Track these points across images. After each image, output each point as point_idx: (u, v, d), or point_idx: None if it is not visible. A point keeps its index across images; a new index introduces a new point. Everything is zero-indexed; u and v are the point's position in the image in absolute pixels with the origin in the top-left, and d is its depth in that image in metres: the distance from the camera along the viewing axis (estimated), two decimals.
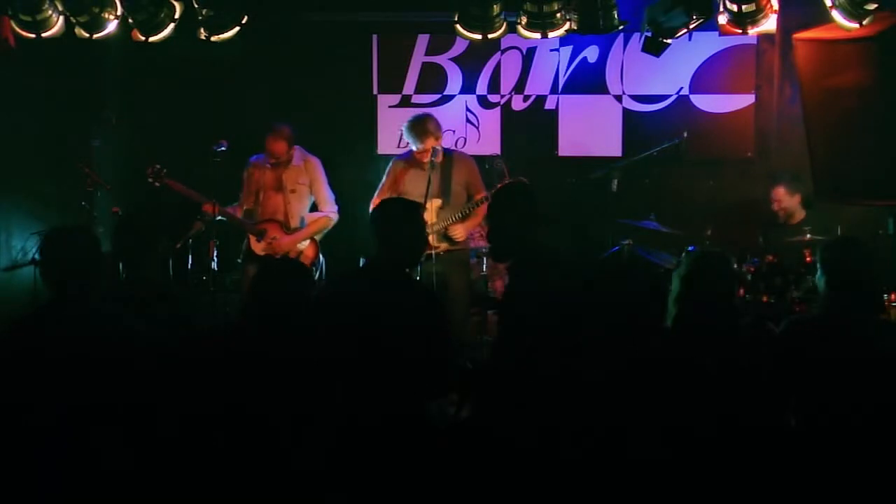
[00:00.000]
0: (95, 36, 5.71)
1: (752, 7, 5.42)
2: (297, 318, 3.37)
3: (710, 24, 5.70)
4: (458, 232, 5.96)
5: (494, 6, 5.65)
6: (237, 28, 5.72)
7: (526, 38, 5.83)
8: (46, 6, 5.58)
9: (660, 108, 7.36)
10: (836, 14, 5.35)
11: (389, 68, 7.59)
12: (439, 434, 3.46)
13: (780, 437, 3.26)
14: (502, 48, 7.39)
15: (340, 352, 3.42)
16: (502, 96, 7.53)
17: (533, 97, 7.49)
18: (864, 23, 5.31)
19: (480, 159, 6.44)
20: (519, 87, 7.50)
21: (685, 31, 5.51)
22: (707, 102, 7.31)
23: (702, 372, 3.19)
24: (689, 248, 5.87)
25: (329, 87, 7.49)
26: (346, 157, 7.60)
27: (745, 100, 7.27)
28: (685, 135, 6.74)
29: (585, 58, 7.40)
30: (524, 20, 5.69)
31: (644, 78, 7.33)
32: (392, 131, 7.60)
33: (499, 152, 7.26)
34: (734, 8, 5.46)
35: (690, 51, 7.13)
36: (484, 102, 7.54)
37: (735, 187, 7.14)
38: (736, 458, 3.11)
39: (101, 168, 7.04)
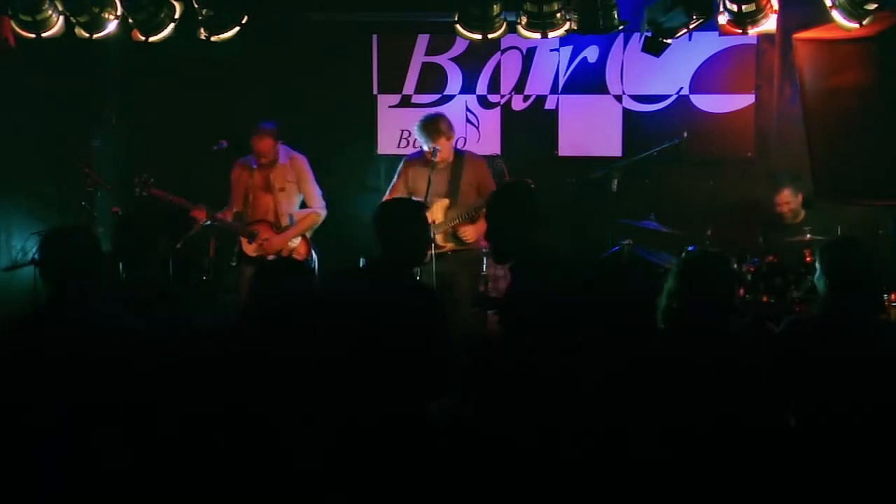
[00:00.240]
0: (95, 36, 5.71)
1: (752, 7, 5.42)
2: (297, 317, 3.37)
3: (710, 24, 5.71)
4: (468, 233, 5.96)
5: (494, 6, 5.65)
6: (237, 28, 5.72)
7: (526, 38, 5.83)
8: (46, 6, 5.58)
9: (660, 108, 7.35)
10: (836, 14, 5.35)
11: (389, 68, 7.58)
12: (439, 434, 3.46)
13: (780, 437, 3.26)
14: (502, 48, 7.39)
15: (340, 352, 3.42)
16: (502, 96, 7.53)
17: (533, 97, 7.49)
18: (864, 23, 5.32)
19: None
20: (519, 87, 7.49)
21: (685, 31, 5.51)
22: (707, 102, 7.30)
23: (701, 372, 3.19)
24: (689, 248, 5.87)
25: (329, 87, 7.49)
26: (346, 157, 7.61)
27: (745, 100, 7.27)
28: (685, 135, 6.74)
29: (585, 58, 7.40)
30: (524, 20, 5.69)
31: (644, 78, 7.33)
32: (392, 131, 7.61)
33: (499, 152, 7.27)
34: (734, 8, 5.46)
35: (690, 51, 7.13)
36: (484, 102, 7.54)
37: (735, 187, 7.14)
38: (736, 458, 3.11)
39: (101, 168, 7.03)
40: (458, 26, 5.77)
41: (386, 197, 6.11)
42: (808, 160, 6.38)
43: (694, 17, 5.34)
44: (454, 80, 7.52)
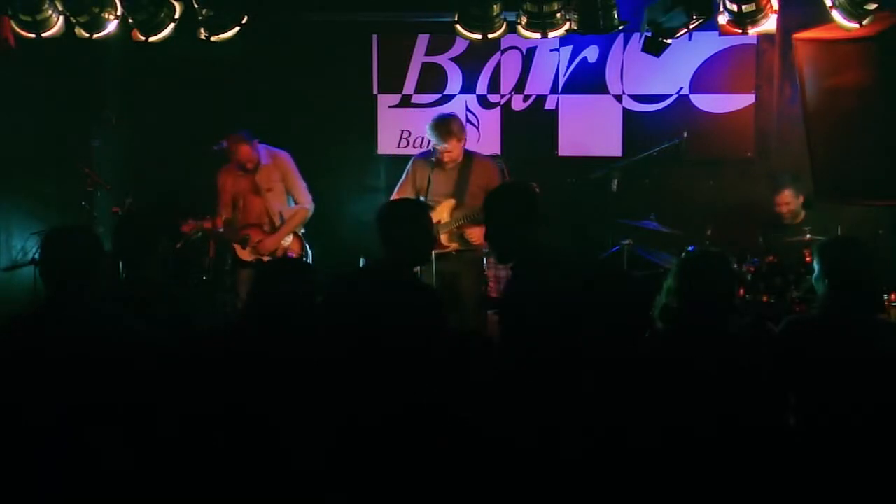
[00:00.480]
0: (95, 36, 5.71)
1: (752, 7, 5.42)
2: (297, 317, 3.37)
3: (710, 24, 5.70)
4: (475, 235, 5.95)
5: (494, 6, 5.65)
6: (237, 28, 5.72)
7: (526, 38, 5.82)
8: (46, 6, 5.58)
9: (660, 108, 7.36)
10: (836, 14, 5.35)
11: (389, 68, 7.59)
12: (439, 434, 3.46)
13: (779, 437, 3.26)
14: (502, 48, 7.39)
15: (340, 352, 3.42)
16: (502, 96, 7.53)
17: (533, 97, 7.49)
18: (864, 23, 5.31)
19: None
20: (519, 87, 7.50)
21: (685, 31, 5.51)
22: (707, 102, 7.30)
23: (700, 371, 3.19)
24: (689, 248, 5.87)
25: (329, 87, 7.49)
26: (346, 157, 7.62)
27: (745, 100, 7.27)
28: (685, 135, 6.74)
29: (585, 58, 7.40)
30: (524, 20, 5.69)
31: (644, 78, 7.33)
32: (392, 131, 7.61)
33: (499, 152, 7.27)
34: (734, 8, 5.46)
35: (690, 51, 7.13)
36: (484, 102, 7.54)
37: (735, 187, 7.14)
38: (735, 458, 3.11)
39: (101, 168, 7.04)
40: (458, 26, 5.77)
41: (394, 195, 6.11)
42: (808, 160, 6.38)
43: (694, 17, 5.34)
44: (454, 80, 7.52)
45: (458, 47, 7.43)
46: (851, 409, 3.25)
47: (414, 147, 7.49)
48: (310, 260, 6.54)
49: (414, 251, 3.87)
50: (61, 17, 5.65)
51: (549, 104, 7.48)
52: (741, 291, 5.94)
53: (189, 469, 3.13)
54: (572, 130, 7.46)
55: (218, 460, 3.13)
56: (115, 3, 5.64)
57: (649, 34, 5.62)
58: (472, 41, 5.92)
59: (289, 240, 6.46)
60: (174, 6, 5.64)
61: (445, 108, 7.37)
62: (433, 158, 6.02)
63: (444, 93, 7.54)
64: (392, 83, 7.59)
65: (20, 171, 6.84)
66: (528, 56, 7.44)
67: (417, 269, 5.44)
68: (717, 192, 7.13)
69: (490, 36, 5.79)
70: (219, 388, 3.21)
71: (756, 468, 3.11)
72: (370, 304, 3.63)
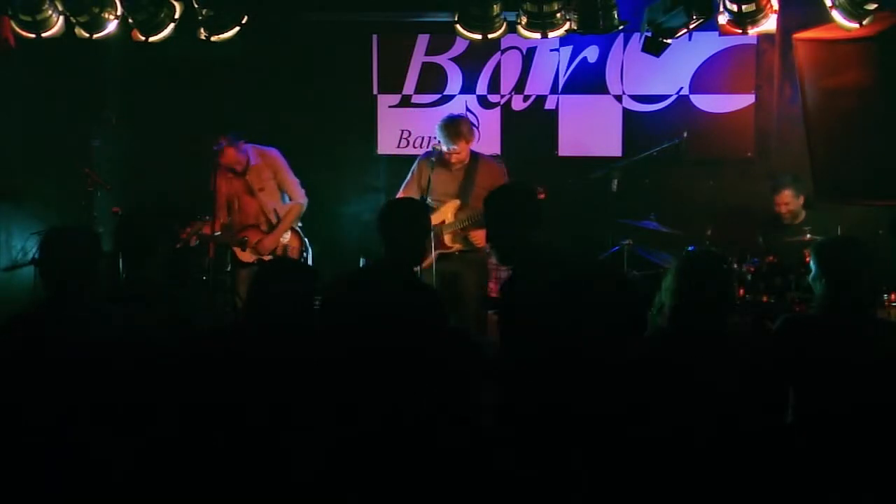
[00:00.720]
0: (95, 36, 5.71)
1: (752, 7, 5.42)
2: (297, 317, 3.37)
3: (710, 24, 5.70)
4: (480, 237, 5.94)
5: (494, 6, 5.65)
6: (237, 28, 5.72)
7: (526, 38, 5.83)
8: (46, 6, 5.58)
9: (660, 108, 7.35)
10: (836, 14, 5.35)
11: (389, 68, 7.59)
12: (439, 434, 3.46)
13: (777, 437, 3.26)
14: (502, 48, 7.39)
15: (341, 352, 3.42)
16: (502, 96, 7.53)
17: (533, 97, 7.49)
18: (864, 23, 5.31)
19: None
20: (519, 87, 7.49)
21: (685, 31, 5.51)
22: (707, 102, 7.30)
23: (698, 371, 3.19)
24: (689, 248, 5.87)
25: (329, 87, 7.49)
26: (346, 157, 7.62)
27: (745, 100, 7.27)
28: (685, 135, 6.74)
29: (585, 58, 7.40)
30: (524, 20, 5.69)
31: (644, 78, 7.33)
32: (392, 131, 7.61)
33: (499, 152, 7.27)
34: (734, 8, 5.46)
35: (690, 51, 7.13)
36: (484, 102, 7.54)
37: (735, 187, 7.14)
38: (733, 458, 3.11)
39: (101, 168, 7.04)
40: (458, 26, 5.77)
41: (399, 194, 6.12)
42: (808, 160, 6.38)
43: (694, 17, 5.34)
44: (454, 80, 7.52)
45: (458, 47, 7.43)
46: (848, 408, 3.25)
47: (414, 147, 7.49)
48: (310, 257, 6.55)
49: (414, 251, 3.87)
50: (61, 17, 5.65)
51: (549, 104, 7.48)
52: (741, 291, 5.94)
53: (189, 469, 3.13)
54: (572, 130, 7.46)
55: (218, 460, 3.13)
56: (115, 3, 5.64)
57: (649, 34, 5.63)
58: (472, 41, 5.92)
59: (287, 237, 6.47)
60: (174, 6, 5.64)
61: (445, 108, 7.37)
62: (433, 158, 6.03)
63: (444, 93, 7.54)
64: (392, 83, 7.59)
65: (20, 171, 6.84)
66: (528, 56, 7.44)
67: (417, 268, 5.47)
68: (717, 192, 7.13)
69: (490, 36, 5.79)
70: (219, 389, 3.20)
71: (754, 467, 3.11)
72: (370, 304, 3.63)
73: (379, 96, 7.62)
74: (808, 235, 6.04)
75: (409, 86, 7.57)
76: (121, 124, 7.57)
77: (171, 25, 5.66)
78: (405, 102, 7.59)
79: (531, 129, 7.49)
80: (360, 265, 6.38)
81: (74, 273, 3.28)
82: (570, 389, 3.33)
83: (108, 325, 3.29)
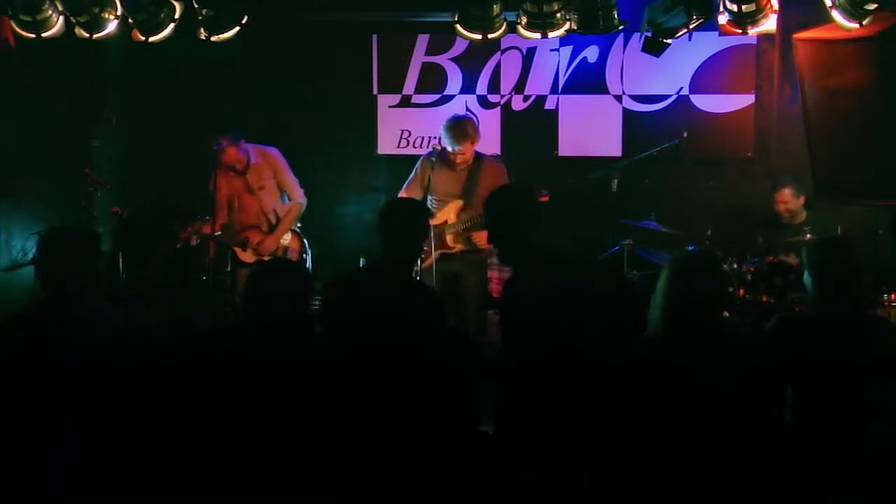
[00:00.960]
0: (95, 36, 5.71)
1: (752, 7, 5.42)
2: (295, 317, 3.37)
3: (710, 24, 5.70)
4: (483, 239, 5.94)
5: (494, 6, 5.65)
6: (237, 28, 5.72)
7: (526, 38, 5.83)
8: (46, 6, 5.58)
9: (660, 108, 7.35)
10: (836, 14, 5.35)
11: (389, 68, 7.59)
12: (438, 434, 3.46)
13: (775, 436, 3.26)
14: (502, 48, 7.39)
15: (340, 351, 3.42)
16: (502, 96, 7.53)
17: (533, 97, 7.49)
18: (864, 23, 5.32)
19: None
20: (519, 87, 7.49)
21: (685, 31, 5.51)
22: (707, 102, 7.30)
23: (693, 371, 3.19)
24: (689, 248, 5.87)
25: (329, 87, 7.49)
26: (346, 157, 7.62)
27: (745, 100, 7.27)
28: (685, 135, 6.73)
29: (585, 58, 7.40)
30: (524, 20, 5.69)
31: (644, 78, 7.33)
32: (392, 131, 7.61)
33: (499, 152, 7.27)
34: (734, 8, 5.46)
35: (690, 51, 7.13)
36: (484, 102, 7.54)
37: (735, 187, 7.14)
38: (731, 457, 3.11)
39: (101, 168, 7.04)
40: (458, 26, 5.77)
41: (401, 193, 6.12)
42: (808, 160, 6.38)
43: (694, 17, 5.34)
44: (454, 80, 7.52)
45: (458, 47, 7.43)
46: (842, 406, 3.27)
47: (414, 147, 7.49)
48: (309, 258, 6.54)
49: (413, 251, 3.88)
50: (61, 17, 5.65)
51: (549, 104, 7.48)
52: (741, 291, 5.94)
53: (189, 469, 3.13)
54: (572, 130, 7.46)
55: (218, 460, 3.13)
56: (115, 3, 5.64)
57: (649, 34, 5.63)
58: (472, 41, 5.92)
59: (288, 237, 6.47)
60: (174, 6, 5.64)
61: (445, 108, 7.38)
62: (433, 158, 6.03)
63: (444, 93, 7.54)
64: (392, 83, 7.59)
65: (20, 171, 6.84)
66: (528, 56, 7.44)
67: (417, 268, 5.47)
68: (717, 192, 7.13)
69: (490, 36, 5.79)
70: (219, 389, 3.20)
71: (753, 467, 3.12)
72: (370, 303, 3.63)
73: (379, 96, 7.62)
74: (808, 235, 6.03)
75: (409, 86, 7.57)
76: (121, 124, 7.57)
77: (171, 25, 5.66)
78: (405, 102, 7.59)
79: (531, 129, 7.49)
80: (360, 265, 6.38)
81: (74, 273, 3.28)
82: (570, 389, 3.33)
83: (108, 325, 3.29)
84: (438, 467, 3.28)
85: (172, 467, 3.14)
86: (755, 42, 7.11)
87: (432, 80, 7.54)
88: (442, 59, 7.52)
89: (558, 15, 5.60)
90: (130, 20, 5.62)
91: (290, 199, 6.50)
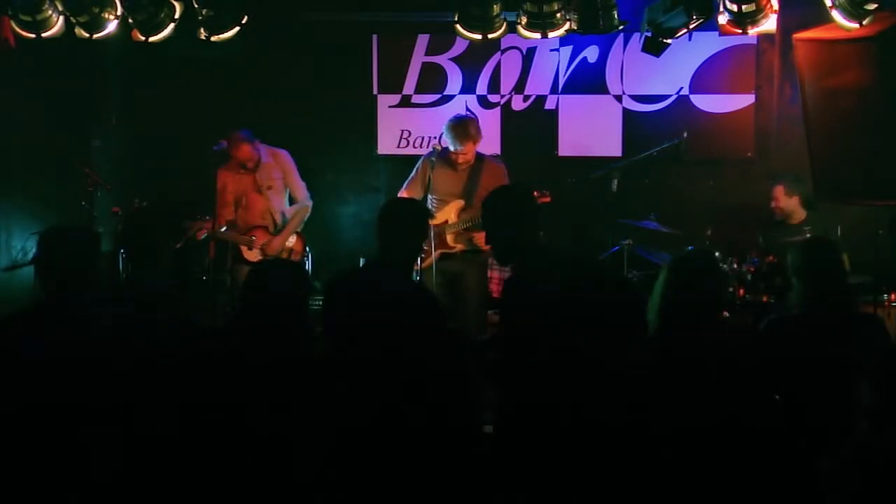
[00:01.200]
0: (95, 36, 5.71)
1: (752, 7, 5.42)
2: (293, 318, 3.37)
3: (710, 24, 5.71)
4: (483, 240, 5.94)
5: (494, 6, 5.66)
6: (237, 28, 5.72)
7: (526, 38, 5.83)
8: (46, 6, 5.58)
9: (660, 108, 7.36)
10: (836, 14, 5.35)
11: (389, 68, 7.59)
12: (438, 434, 3.46)
13: (775, 436, 3.26)
14: (502, 48, 7.39)
15: (339, 351, 3.42)
16: (502, 96, 7.53)
17: (533, 97, 7.49)
18: (864, 23, 5.32)
19: None
20: (519, 87, 7.50)
21: (685, 31, 5.51)
22: (707, 102, 7.30)
23: (690, 371, 3.20)
24: (689, 248, 5.87)
25: (329, 87, 7.49)
26: (346, 157, 7.62)
27: (745, 100, 7.27)
28: (685, 135, 6.73)
29: (585, 58, 7.40)
30: (524, 20, 5.69)
31: (644, 78, 7.33)
32: (392, 131, 7.61)
33: (499, 152, 7.27)
34: (734, 8, 5.46)
35: (690, 51, 7.13)
36: (484, 102, 7.54)
37: (735, 187, 7.15)
38: (730, 457, 3.11)
39: (101, 168, 7.04)
40: (458, 26, 5.77)
41: (402, 192, 6.12)
42: (808, 160, 6.38)
43: (694, 17, 5.35)
44: (454, 80, 7.52)
45: (458, 47, 7.43)
46: (828, 406, 3.29)
47: (414, 147, 7.49)
48: (310, 259, 6.55)
49: (412, 251, 3.88)
50: (61, 17, 5.65)
51: (549, 104, 7.48)
52: (741, 291, 5.94)
53: (189, 469, 3.13)
54: (572, 130, 7.46)
55: (218, 461, 3.13)
56: (115, 3, 5.64)
57: (649, 34, 5.63)
58: (472, 41, 5.93)
59: (292, 239, 6.48)
60: (174, 6, 5.64)
61: (445, 108, 7.38)
62: (433, 158, 6.04)
63: (444, 93, 7.54)
64: (392, 83, 7.59)
65: (20, 171, 6.85)
66: (528, 56, 7.44)
67: (416, 268, 5.47)
68: (717, 192, 7.14)
69: (490, 36, 5.79)
70: (219, 389, 3.20)
71: (753, 467, 3.12)
72: (370, 303, 3.63)
73: (379, 96, 7.62)
74: (808, 235, 6.03)
75: (409, 86, 7.57)
76: (121, 124, 7.58)
77: (171, 25, 5.67)
78: (405, 102, 7.59)
79: (531, 129, 7.49)
80: (360, 265, 6.38)
81: (74, 273, 3.28)
82: (570, 390, 3.33)
83: (108, 325, 3.28)
84: (438, 468, 3.28)
85: (172, 467, 3.14)
86: (755, 42, 7.11)
87: (432, 80, 7.54)
88: (442, 59, 7.52)
89: (558, 15, 5.60)
90: (130, 20, 5.62)
91: (295, 201, 6.51)
